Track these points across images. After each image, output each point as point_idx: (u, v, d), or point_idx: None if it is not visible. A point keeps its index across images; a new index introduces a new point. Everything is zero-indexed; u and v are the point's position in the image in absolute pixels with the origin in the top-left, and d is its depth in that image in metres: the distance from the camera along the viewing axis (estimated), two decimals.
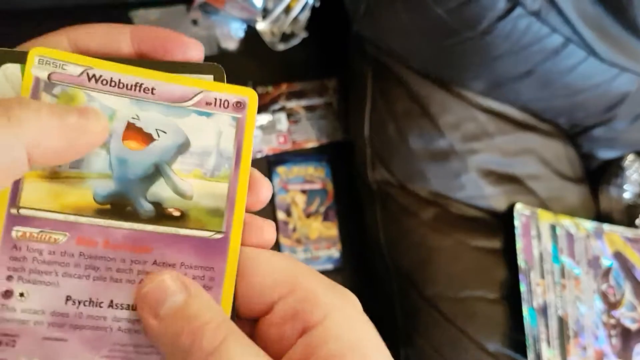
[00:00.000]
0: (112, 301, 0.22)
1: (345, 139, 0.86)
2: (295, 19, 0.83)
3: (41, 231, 0.21)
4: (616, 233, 0.70)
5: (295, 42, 0.84)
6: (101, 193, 0.22)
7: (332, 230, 0.82)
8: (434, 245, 0.67)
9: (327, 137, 0.86)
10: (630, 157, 0.74)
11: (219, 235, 0.23)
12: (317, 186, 0.84)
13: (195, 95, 0.23)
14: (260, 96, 0.85)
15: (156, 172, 0.23)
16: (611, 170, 0.75)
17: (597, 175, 0.76)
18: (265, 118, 0.85)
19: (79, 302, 0.21)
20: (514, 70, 0.65)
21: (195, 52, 0.23)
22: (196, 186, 0.23)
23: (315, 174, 0.84)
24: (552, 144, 0.71)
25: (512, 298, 0.63)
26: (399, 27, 0.68)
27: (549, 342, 0.61)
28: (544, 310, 0.62)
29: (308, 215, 0.82)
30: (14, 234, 0.21)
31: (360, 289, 0.80)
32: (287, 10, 0.82)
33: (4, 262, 0.21)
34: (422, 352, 0.64)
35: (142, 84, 0.23)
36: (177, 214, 0.23)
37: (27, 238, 0.21)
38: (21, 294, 0.21)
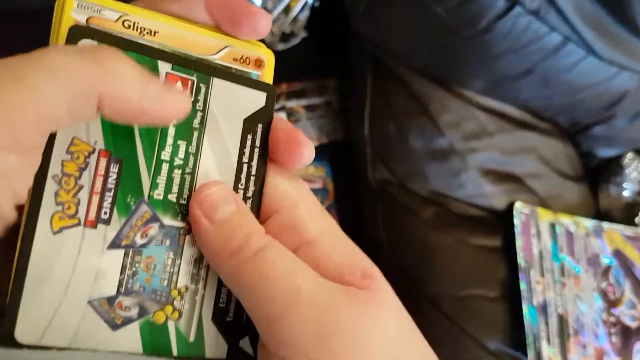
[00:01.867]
0: None
1: (345, 138, 0.86)
2: (295, 18, 0.83)
3: None
4: (616, 231, 0.70)
5: (295, 41, 0.85)
6: None
7: None
8: (435, 244, 0.67)
9: (327, 136, 0.86)
10: (630, 156, 0.74)
11: None
12: (317, 185, 0.84)
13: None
14: None
15: None
16: (611, 169, 0.75)
17: (597, 174, 0.76)
18: None
19: None
20: (513, 68, 0.65)
21: (263, 22, 0.24)
22: None
23: (316, 173, 0.85)
24: (551, 142, 0.71)
25: (512, 296, 0.63)
26: (398, 26, 0.68)
27: (549, 340, 0.61)
28: (544, 308, 0.62)
29: None
30: None
31: None
32: (287, 10, 0.82)
33: None
34: None
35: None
36: None
37: None
38: None
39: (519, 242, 0.64)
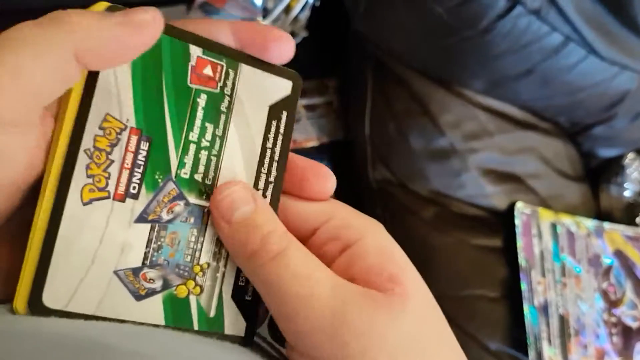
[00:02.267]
0: None
1: (345, 138, 0.86)
2: (296, 18, 0.83)
3: None
4: (617, 231, 0.70)
5: (295, 41, 0.84)
6: None
7: None
8: (435, 244, 0.67)
9: (327, 136, 0.86)
10: (631, 156, 0.74)
11: None
12: None
13: None
14: None
15: None
16: (611, 169, 0.75)
17: (598, 174, 0.76)
18: None
19: None
20: (514, 69, 0.65)
21: (289, 46, 0.25)
22: None
23: None
24: (552, 142, 0.71)
25: (513, 296, 0.63)
26: (398, 26, 0.68)
27: (550, 341, 0.61)
28: (544, 309, 0.62)
29: None
30: None
31: None
32: (287, 9, 0.82)
33: None
34: None
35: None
36: None
37: None
38: None
39: (520, 243, 0.64)
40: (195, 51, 0.23)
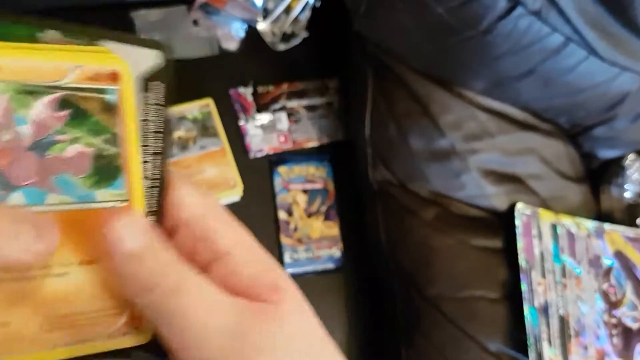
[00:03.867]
0: None
1: (346, 139, 0.86)
2: (296, 19, 0.83)
3: None
4: (617, 232, 0.70)
5: (296, 42, 0.84)
6: None
7: (333, 229, 0.82)
8: (435, 244, 0.67)
9: (328, 136, 0.86)
10: (631, 157, 0.74)
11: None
12: (318, 186, 0.84)
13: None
14: (261, 95, 0.85)
15: None
16: (612, 170, 0.75)
17: (598, 175, 0.76)
18: (266, 117, 0.85)
19: None
20: (514, 69, 0.65)
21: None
22: None
23: (317, 174, 0.84)
24: (553, 143, 0.71)
25: (513, 297, 0.63)
26: (399, 26, 0.68)
27: (550, 342, 0.61)
28: (545, 310, 0.62)
29: (309, 215, 0.82)
30: None
31: (362, 288, 0.80)
32: (288, 10, 0.82)
33: None
34: (423, 352, 0.64)
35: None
36: None
37: None
38: None
39: (520, 243, 0.64)
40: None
